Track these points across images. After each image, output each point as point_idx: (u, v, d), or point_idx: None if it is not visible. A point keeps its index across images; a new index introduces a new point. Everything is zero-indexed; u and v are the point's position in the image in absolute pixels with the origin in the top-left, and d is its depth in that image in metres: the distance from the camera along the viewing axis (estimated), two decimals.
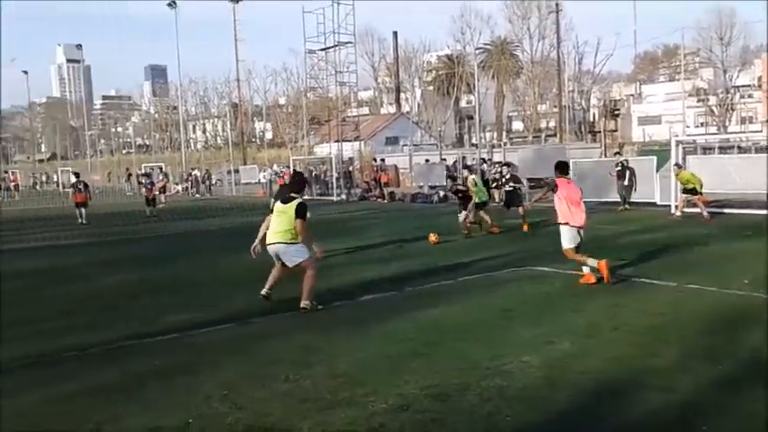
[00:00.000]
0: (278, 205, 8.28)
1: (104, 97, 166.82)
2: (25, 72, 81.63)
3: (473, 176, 16.48)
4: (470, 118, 61.74)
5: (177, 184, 45.85)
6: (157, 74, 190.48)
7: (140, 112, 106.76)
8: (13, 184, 48.80)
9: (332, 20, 32.79)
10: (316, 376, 5.64)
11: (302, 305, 7.97)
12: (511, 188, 17.30)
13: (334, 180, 32.49)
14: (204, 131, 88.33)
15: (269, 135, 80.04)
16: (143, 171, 36.77)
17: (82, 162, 72.00)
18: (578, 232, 9.19)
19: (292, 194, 8.31)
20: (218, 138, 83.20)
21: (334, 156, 33.62)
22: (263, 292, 8.40)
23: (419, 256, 12.45)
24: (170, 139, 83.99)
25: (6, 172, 55.98)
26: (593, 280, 8.93)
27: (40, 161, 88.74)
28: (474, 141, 50.28)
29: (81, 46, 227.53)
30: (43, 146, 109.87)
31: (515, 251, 12.63)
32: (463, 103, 71.05)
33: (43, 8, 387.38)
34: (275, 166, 41.32)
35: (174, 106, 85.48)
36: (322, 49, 34.54)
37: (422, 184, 30.80)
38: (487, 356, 5.97)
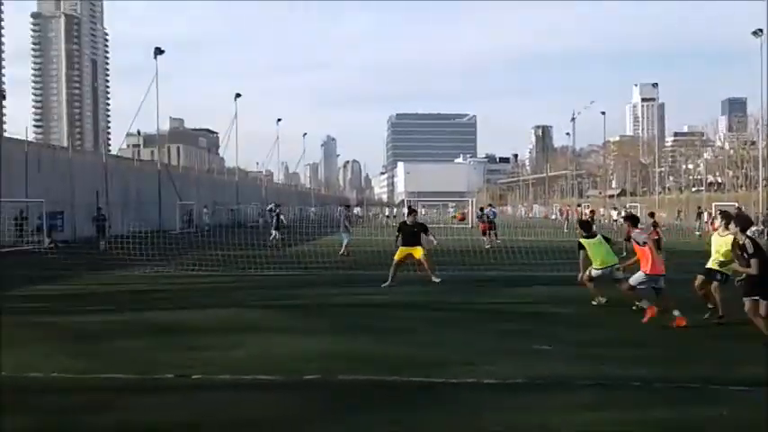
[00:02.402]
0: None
1: (676, 134, 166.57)
2: (603, 113, 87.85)
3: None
4: None
5: None
6: (735, 107, 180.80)
7: (713, 148, 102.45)
8: (563, 216, 54.43)
9: None
10: None
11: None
12: None
13: None
14: None
15: None
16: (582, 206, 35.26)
17: (649, 198, 73.61)
18: None
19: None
20: None
21: None
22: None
23: None
24: (745, 176, 77.97)
25: (569, 205, 62.03)
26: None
27: (610, 196, 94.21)
28: None
29: (657, 85, 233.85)
30: (614, 182, 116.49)
31: None
32: None
33: (623, 51, 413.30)
34: None
35: (752, 141, 79.18)
36: None
37: None
38: None
